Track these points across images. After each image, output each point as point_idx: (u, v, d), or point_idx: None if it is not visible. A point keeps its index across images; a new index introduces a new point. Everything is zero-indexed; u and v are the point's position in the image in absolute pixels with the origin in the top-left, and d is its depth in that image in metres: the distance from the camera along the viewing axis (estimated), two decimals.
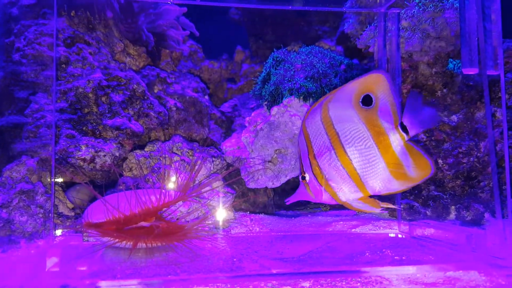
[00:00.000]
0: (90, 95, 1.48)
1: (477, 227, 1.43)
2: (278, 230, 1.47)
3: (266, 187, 1.59)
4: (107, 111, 1.48)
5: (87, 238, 1.19)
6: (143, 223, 1.14)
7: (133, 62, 1.79)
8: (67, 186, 1.49)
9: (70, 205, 1.44)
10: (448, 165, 1.54)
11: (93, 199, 1.41)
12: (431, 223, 1.36)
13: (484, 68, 1.10)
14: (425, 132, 1.58)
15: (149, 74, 1.75)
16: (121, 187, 1.38)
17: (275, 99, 1.67)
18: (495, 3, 1.11)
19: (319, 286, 0.89)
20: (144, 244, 1.10)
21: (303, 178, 1.06)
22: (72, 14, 1.64)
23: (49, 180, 1.31)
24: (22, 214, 1.20)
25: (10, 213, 1.20)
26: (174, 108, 1.71)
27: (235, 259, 1.06)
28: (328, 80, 1.63)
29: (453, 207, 1.53)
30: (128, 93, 1.54)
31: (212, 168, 1.60)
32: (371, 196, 1.07)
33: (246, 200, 1.68)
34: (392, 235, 1.40)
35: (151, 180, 1.39)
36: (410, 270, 1.00)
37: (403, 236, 1.38)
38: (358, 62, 1.98)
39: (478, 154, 1.54)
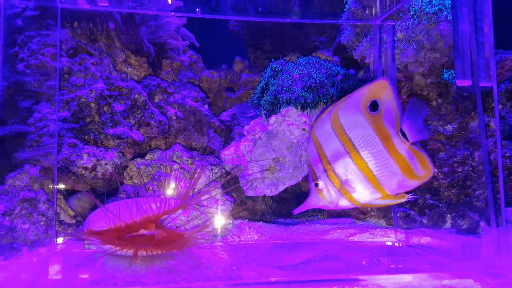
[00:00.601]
0: (92, 104, 1.51)
1: (472, 236, 1.46)
2: (276, 238, 1.49)
3: (264, 195, 1.61)
4: (109, 120, 1.50)
5: (88, 245, 1.21)
6: (143, 231, 1.15)
7: (134, 72, 1.82)
8: (68, 194, 1.50)
9: (71, 213, 1.45)
10: (443, 174, 1.56)
11: (94, 207, 1.43)
12: (427, 232, 1.37)
13: (477, 80, 1.12)
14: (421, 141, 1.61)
15: (150, 84, 1.78)
16: (122, 195, 1.40)
17: (273, 109, 1.70)
18: (487, 17, 1.14)
19: None
20: (144, 252, 1.11)
21: (316, 185, 1.08)
22: (75, 25, 1.67)
23: (51, 188, 1.33)
24: (24, 222, 1.22)
25: (12, 220, 1.21)
26: (175, 117, 1.74)
27: (234, 267, 1.08)
28: (325, 90, 1.66)
29: (449, 215, 1.55)
30: (130, 102, 1.57)
31: (211, 176, 1.62)
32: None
33: (245, 208, 1.70)
34: (388, 243, 1.41)
35: (151, 188, 1.41)
36: (406, 278, 1.01)
37: (400, 245, 1.39)
38: (355, 72, 2.02)
39: (473, 163, 1.57)
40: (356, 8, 1.62)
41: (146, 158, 1.55)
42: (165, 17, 1.77)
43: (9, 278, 0.96)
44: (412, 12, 1.54)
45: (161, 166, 1.50)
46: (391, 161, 1.04)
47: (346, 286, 0.95)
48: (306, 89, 1.65)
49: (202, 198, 1.36)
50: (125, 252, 1.12)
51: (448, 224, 1.55)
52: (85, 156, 1.42)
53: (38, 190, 1.31)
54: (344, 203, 1.07)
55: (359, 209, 1.76)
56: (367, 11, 1.60)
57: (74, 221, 1.42)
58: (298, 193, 1.99)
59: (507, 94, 1.67)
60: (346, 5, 1.67)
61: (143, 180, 1.45)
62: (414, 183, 1.06)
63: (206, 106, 1.98)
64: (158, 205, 1.15)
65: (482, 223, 1.52)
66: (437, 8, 1.52)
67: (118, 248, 1.10)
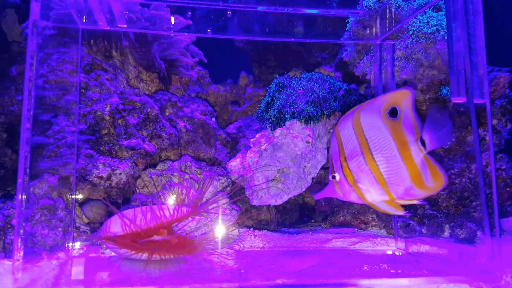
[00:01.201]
0: (108, 118, 1.60)
1: (469, 245, 1.51)
2: (281, 246, 1.55)
3: (269, 204, 1.68)
4: (123, 133, 1.59)
5: (104, 250, 1.28)
6: (156, 237, 1.22)
7: (146, 87, 1.92)
8: (83, 202, 1.58)
9: (85, 220, 1.53)
10: None
11: (108, 214, 1.50)
12: (426, 240, 1.43)
13: (471, 97, 1.19)
14: None
15: (161, 98, 1.87)
16: (135, 203, 1.47)
17: (278, 122, 1.77)
18: (480, 40, 1.21)
19: None
20: (158, 256, 1.18)
21: (333, 177, 1.14)
22: (91, 43, 1.77)
23: (69, 196, 1.41)
24: (43, 228, 1.29)
25: (33, 226, 1.29)
26: (184, 130, 1.83)
27: (242, 271, 1.14)
28: (327, 104, 1.74)
29: (447, 225, 1.61)
30: (143, 116, 1.66)
31: (218, 186, 1.69)
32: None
33: (250, 216, 1.77)
34: (389, 251, 1.46)
35: (162, 196, 1.49)
36: (405, 282, 1.07)
37: (400, 253, 1.45)
38: (356, 88, 2.10)
39: (470, 175, 1.63)
40: (358, 28, 1.71)
41: (157, 168, 1.63)
42: (176, 35, 1.87)
43: (35, 278, 1.02)
44: (410, 32, 1.61)
45: (171, 176, 1.57)
46: (403, 167, 1.09)
47: None
48: (309, 103, 1.73)
49: (210, 206, 1.43)
50: (140, 256, 1.18)
51: (446, 234, 1.61)
52: (100, 166, 1.50)
53: (56, 198, 1.38)
54: (354, 197, 1.14)
55: (361, 219, 1.82)
56: (368, 31, 1.68)
57: (88, 228, 1.49)
58: (301, 204, 2.05)
59: (502, 109, 1.75)
60: (348, 25, 1.76)
61: (155, 189, 1.53)
62: (422, 193, 1.10)
63: (213, 119, 2.07)
64: (171, 212, 1.22)
65: (479, 233, 1.57)
66: (434, 28, 1.60)
67: (133, 252, 1.16)
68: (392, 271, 1.15)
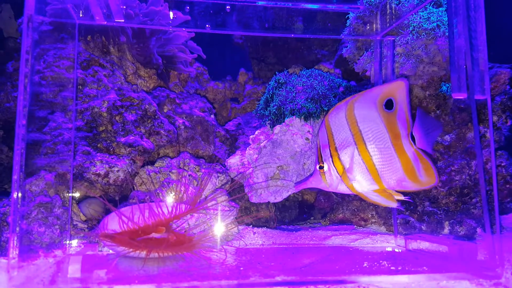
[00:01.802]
0: (105, 114, 1.58)
1: (469, 241, 1.50)
2: (280, 243, 1.54)
3: (268, 202, 1.67)
4: (120, 130, 1.57)
5: (102, 248, 1.26)
6: (154, 235, 1.21)
7: (144, 84, 1.90)
8: (80, 200, 1.56)
9: (83, 217, 1.51)
10: (441, 182, 1.62)
11: (105, 212, 1.49)
12: (426, 237, 1.42)
13: (472, 93, 1.18)
14: None
15: (159, 95, 1.85)
16: (133, 200, 1.46)
17: (277, 119, 1.76)
18: (481, 35, 1.21)
19: None
20: (156, 254, 1.17)
21: (321, 167, 1.14)
22: (88, 38, 1.75)
23: (66, 193, 1.39)
24: (40, 225, 1.28)
25: (29, 224, 1.27)
26: (183, 127, 1.81)
27: (241, 268, 1.13)
28: (327, 101, 1.73)
29: (446, 222, 1.61)
30: (140, 112, 1.64)
31: (217, 183, 1.68)
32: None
33: (249, 214, 1.76)
34: (389, 248, 1.46)
35: (161, 194, 1.47)
36: (405, 279, 1.06)
37: (400, 250, 1.44)
38: (356, 84, 2.09)
39: (470, 172, 1.62)
40: (358, 24, 1.69)
41: (155, 165, 1.61)
42: (174, 31, 1.85)
43: (31, 276, 1.01)
44: (411, 28, 1.60)
45: (170, 173, 1.56)
46: (396, 159, 1.10)
47: (348, 286, 1.01)
48: (309, 100, 1.72)
49: (209, 204, 1.42)
50: (138, 254, 1.17)
51: (446, 231, 1.60)
52: (98, 163, 1.48)
53: (53, 195, 1.37)
54: (342, 188, 1.14)
55: (360, 216, 1.81)
56: (368, 27, 1.67)
57: (86, 225, 1.48)
58: (300, 201, 2.04)
59: (502, 106, 1.74)
60: (348, 21, 1.74)
61: (153, 186, 1.52)
62: (414, 186, 1.11)
63: (212, 116, 2.05)
64: (169, 209, 1.21)
65: (478, 230, 1.57)
66: (435, 24, 1.59)
67: (131, 249, 1.15)
68: (392, 268, 1.15)
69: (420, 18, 1.61)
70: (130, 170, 1.54)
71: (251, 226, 1.73)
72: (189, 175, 1.58)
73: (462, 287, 1.04)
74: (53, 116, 1.53)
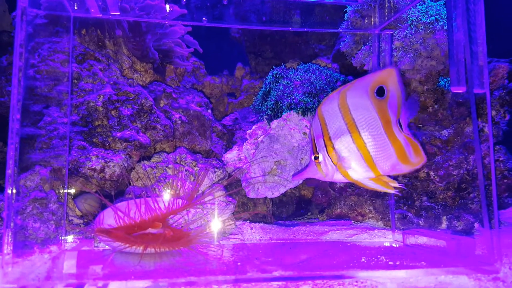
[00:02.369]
0: (101, 108, 1.56)
1: (467, 236, 1.50)
2: (277, 238, 1.53)
3: (265, 197, 1.66)
4: (116, 124, 1.56)
5: (98, 243, 1.25)
6: (151, 230, 1.20)
7: (140, 78, 1.88)
8: (76, 195, 1.55)
9: (79, 213, 1.50)
10: (439, 177, 1.62)
11: (101, 207, 1.47)
12: (423, 232, 1.42)
13: (471, 87, 1.18)
14: None
15: (156, 89, 1.83)
16: (129, 195, 1.44)
17: (275, 113, 1.75)
18: (480, 28, 1.20)
19: None
20: (152, 249, 1.16)
21: (316, 158, 1.14)
22: (82, 32, 1.73)
23: (61, 188, 1.38)
24: (35, 221, 1.27)
25: (24, 219, 1.26)
26: (179, 122, 1.80)
27: (238, 264, 1.12)
28: (325, 95, 1.72)
29: (444, 217, 1.61)
30: (137, 107, 1.63)
31: (214, 179, 1.67)
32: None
33: (246, 209, 1.75)
34: (386, 243, 1.46)
35: (157, 189, 1.46)
36: (403, 274, 1.06)
37: (397, 245, 1.44)
38: (353, 79, 2.07)
39: (468, 167, 1.62)
40: (356, 17, 1.68)
41: (152, 160, 1.60)
42: (170, 26, 1.83)
43: (26, 272, 1.00)
44: (409, 22, 1.59)
45: (166, 168, 1.55)
46: (389, 145, 1.11)
47: (346, 282, 1.00)
48: (307, 95, 1.71)
49: (206, 199, 1.41)
50: (134, 249, 1.16)
51: (444, 226, 1.60)
52: (93, 158, 1.47)
53: (48, 190, 1.35)
54: (338, 177, 1.15)
55: (358, 211, 1.81)
56: (366, 21, 1.66)
57: (81, 221, 1.46)
58: (298, 196, 2.04)
59: (501, 100, 1.73)
60: (345, 15, 1.73)
61: (149, 181, 1.50)
62: (406, 168, 1.13)
63: (209, 111, 2.04)
64: (166, 204, 1.20)
65: (476, 224, 1.57)
66: (433, 18, 1.58)
67: (127, 245, 1.14)
68: (389, 263, 1.15)
69: (419, 11, 1.60)
70: (126, 165, 1.53)
71: (249, 221, 1.72)
72: (185, 170, 1.57)
73: (460, 282, 1.03)
74: (48, 110, 1.51)
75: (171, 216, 1.24)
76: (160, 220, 1.21)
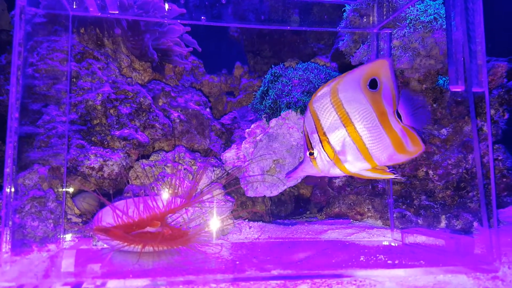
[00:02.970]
0: (99, 107, 1.56)
1: (466, 235, 1.50)
2: (276, 237, 1.53)
3: (264, 196, 1.66)
4: (115, 123, 1.55)
5: (96, 242, 1.25)
6: (149, 229, 1.20)
7: (138, 77, 1.88)
8: (74, 194, 1.55)
9: (77, 212, 1.50)
10: (438, 176, 1.62)
11: (100, 206, 1.47)
12: (422, 231, 1.42)
13: (469, 86, 1.18)
14: None
15: (154, 88, 1.83)
16: (127, 194, 1.44)
17: (273, 112, 1.75)
18: (479, 27, 1.20)
19: None
20: (151, 248, 1.16)
21: (311, 154, 1.14)
22: (81, 31, 1.73)
23: (60, 187, 1.38)
24: (34, 219, 1.27)
25: (22, 218, 1.26)
26: (178, 120, 1.79)
27: (237, 262, 1.12)
28: None
29: (443, 216, 1.61)
30: (135, 105, 1.62)
31: (213, 177, 1.67)
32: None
33: (245, 208, 1.75)
34: (385, 242, 1.46)
35: (155, 188, 1.46)
36: (402, 273, 1.06)
37: (396, 244, 1.44)
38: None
39: (467, 166, 1.62)
40: (354, 16, 1.68)
41: (150, 159, 1.60)
42: (169, 24, 1.82)
43: (24, 271, 1.00)
44: (408, 21, 1.59)
45: (165, 167, 1.55)
46: (385, 136, 1.11)
47: (344, 280, 1.00)
48: (305, 93, 1.71)
49: (205, 197, 1.41)
50: (133, 248, 1.16)
51: (442, 224, 1.60)
52: (92, 156, 1.46)
53: (47, 189, 1.35)
54: (335, 171, 1.15)
55: (357, 210, 1.81)
56: (365, 20, 1.66)
57: (80, 219, 1.46)
58: (296, 195, 2.04)
59: (500, 99, 1.73)
60: (344, 14, 1.73)
61: (148, 180, 1.50)
62: (403, 157, 1.13)
63: (208, 109, 2.04)
64: (164, 203, 1.20)
65: (475, 223, 1.57)
66: (432, 17, 1.58)
67: (126, 244, 1.14)
68: (388, 262, 1.14)
69: (417, 10, 1.60)
70: (124, 164, 1.52)
71: (247, 220, 1.72)
72: (184, 169, 1.57)
73: (459, 281, 1.03)
74: (46, 109, 1.51)
75: (170, 214, 1.24)
76: (159, 219, 1.21)
